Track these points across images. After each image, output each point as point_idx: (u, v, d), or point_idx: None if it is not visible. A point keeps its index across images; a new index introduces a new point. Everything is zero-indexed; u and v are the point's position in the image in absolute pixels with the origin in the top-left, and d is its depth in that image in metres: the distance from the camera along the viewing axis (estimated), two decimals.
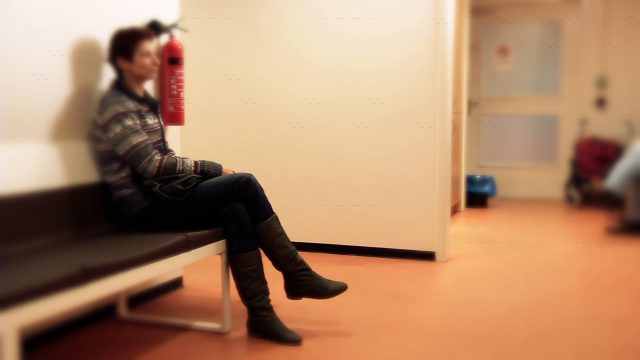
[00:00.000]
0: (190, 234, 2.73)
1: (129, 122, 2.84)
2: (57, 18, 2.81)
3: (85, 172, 2.90)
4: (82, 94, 2.97)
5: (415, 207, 4.46)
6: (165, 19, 3.48)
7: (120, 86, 2.95)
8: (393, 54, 4.43)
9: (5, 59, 2.55)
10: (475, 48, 7.71)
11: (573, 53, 7.50)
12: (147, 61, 2.96)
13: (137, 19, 3.31)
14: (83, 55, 2.96)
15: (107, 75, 3.08)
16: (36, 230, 2.55)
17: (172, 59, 3.43)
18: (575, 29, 7.48)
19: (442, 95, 4.35)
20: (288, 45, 4.69)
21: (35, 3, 2.69)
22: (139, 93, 3.00)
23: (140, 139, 2.85)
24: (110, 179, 2.92)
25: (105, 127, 2.85)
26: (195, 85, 4.92)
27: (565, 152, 7.53)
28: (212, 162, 3.06)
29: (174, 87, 3.44)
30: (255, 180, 2.98)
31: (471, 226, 5.96)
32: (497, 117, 7.91)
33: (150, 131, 2.98)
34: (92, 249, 2.42)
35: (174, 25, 3.48)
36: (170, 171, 2.91)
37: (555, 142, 7.67)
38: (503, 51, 7.82)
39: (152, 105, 3.05)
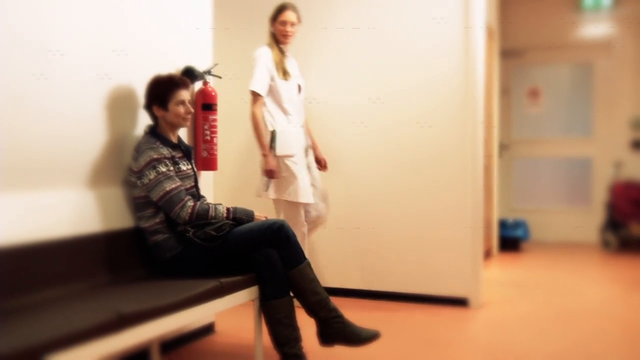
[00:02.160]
0: (223, 280, 2.72)
1: (162, 169, 2.87)
2: (94, 66, 2.87)
3: (120, 218, 2.93)
4: (118, 141, 3.01)
5: (448, 251, 4.40)
6: (200, 66, 3.54)
7: (155, 132, 2.99)
8: (425, 99, 4.44)
9: (43, 106, 2.61)
10: (505, 91, 7.70)
11: (605, 94, 7.44)
12: (182, 110, 3.00)
13: (172, 66, 3.37)
14: (119, 102, 3.02)
15: (142, 121, 3.13)
16: (72, 275, 2.57)
17: (205, 104, 3.48)
18: (607, 70, 7.43)
19: (473, 138, 4.34)
20: (319, 93, 4.73)
21: (74, 52, 2.76)
22: (173, 139, 3.04)
23: (173, 185, 2.88)
24: (145, 224, 2.94)
25: (139, 173, 2.88)
26: (227, 129, 4.97)
27: (599, 195, 7.41)
28: (245, 209, 3.07)
29: (208, 132, 3.48)
30: (288, 226, 2.97)
31: (504, 271, 5.87)
32: (528, 160, 7.85)
33: (184, 177, 3.00)
34: (127, 295, 2.43)
35: (208, 72, 3.54)
36: (203, 217, 2.92)
37: (589, 185, 7.56)
38: (534, 94, 7.79)
39: (185, 151, 3.09)
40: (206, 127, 3.48)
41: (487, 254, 6.54)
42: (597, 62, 7.50)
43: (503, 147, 7.58)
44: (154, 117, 3.03)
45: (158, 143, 2.93)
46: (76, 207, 2.71)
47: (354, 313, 4.16)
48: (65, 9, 2.70)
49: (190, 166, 3.09)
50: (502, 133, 7.50)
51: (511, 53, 7.65)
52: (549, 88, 7.76)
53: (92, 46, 2.85)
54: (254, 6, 4.93)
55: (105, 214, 2.85)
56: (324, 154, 4.40)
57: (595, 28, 7.41)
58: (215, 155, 3.53)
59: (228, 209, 3.01)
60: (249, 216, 3.05)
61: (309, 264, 3.00)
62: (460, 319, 4.04)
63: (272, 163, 3.97)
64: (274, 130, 4.03)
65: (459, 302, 4.37)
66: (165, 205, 2.89)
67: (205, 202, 3.03)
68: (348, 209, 4.67)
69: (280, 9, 4.13)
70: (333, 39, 4.71)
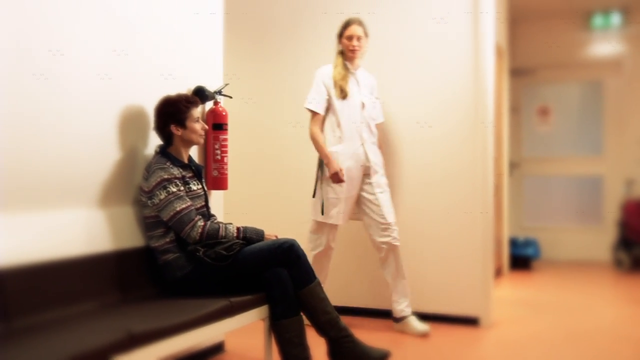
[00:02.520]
0: (233, 299, 2.73)
1: (173, 189, 2.89)
2: (105, 87, 2.90)
3: (130, 237, 2.94)
4: (129, 160, 3.04)
5: (458, 270, 4.39)
6: (210, 86, 3.57)
7: (165, 152, 3.02)
8: (435, 118, 4.44)
9: (55, 127, 2.64)
10: (515, 109, 7.70)
11: (616, 113, 7.43)
12: (198, 127, 3.03)
13: (183, 86, 3.40)
14: (130, 123, 3.05)
15: (153, 141, 3.15)
16: (83, 295, 2.58)
17: (216, 124, 3.50)
18: (617, 89, 7.43)
19: (483, 156, 4.34)
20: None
21: (85, 73, 2.79)
22: (184, 158, 3.07)
23: (184, 205, 2.89)
24: (155, 243, 2.95)
25: (150, 193, 2.91)
26: (237, 147, 4.99)
27: (611, 213, 7.37)
28: (255, 228, 3.08)
29: (218, 152, 3.51)
30: (298, 246, 2.98)
31: (515, 290, 5.83)
32: (539, 178, 7.83)
33: (194, 197, 3.02)
34: (137, 314, 2.44)
35: (219, 92, 3.57)
36: (213, 236, 2.94)
37: (601, 203, 7.52)
38: (543, 112, 7.79)
39: (196, 171, 3.11)
40: (217, 146, 3.50)
41: (498, 273, 6.51)
42: (607, 81, 7.50)
43: (513, 166, 7.57)
44: (165, 137, 3.05)
45: (168, 163, 2.95)
46: (87, 226, 2.73)
47: (364, 332, 4.15)
48: (76, 29, 2.74)
49: (200, 186, 3.11)
50: (512, 151, 7.49)
51: (521, 72, 7.66)
52: (559, 106, 7.76)
53: (103, 66, 2.88)
54: (265, 27, 4.98)
55: (116, 233, 2.86)
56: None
57: (605, 47, 7.42)
58: (226, 174, 3.55)
59: (238, 229, 3.02)
60: (259, 235, 3.06)
61: (319, 283, 3.01)
62: (470, 339, 4.01)
63: (334, 166, 4.00)
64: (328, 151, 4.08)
65: (470, 321, 4.35)
66: (175, 225, 2.91)
67: (215, 222, 3.04)
68: (357, 229, 4.67)
69: (346, 24, 4.12)
70: None
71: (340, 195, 4.06)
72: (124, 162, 3.00)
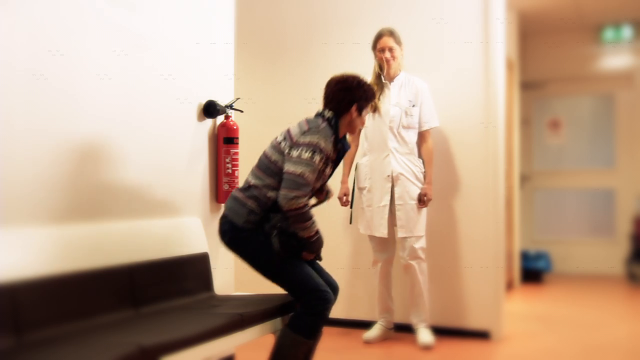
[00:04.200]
0: (244, 312, 2.73)
1: (317, 158, 2.89)
2: (117, 105, 2.93)
3: (142, 251, 2.95)
4: (140, 175, 3.05)
5: (469, 283, 4.37)
6: (221, 100, 3.59)
7: (335, 125, 3.03)
8: (446, 131, 4.44)
9: (69, 143, 2.66)
10: (526, 122, 7.68)
11: (628, 126, 7.40)
12: (363, 121, 3.15)
13: (195, 99, 3.42)
14: (141, 140, 3.07)
15: (155, 155, 3.17)
16: (95, 308, 2.58)
17: (227, 138, 3.52)
18: (629, 102, 7.40)
19: (494, 169, 4.33)
20: None
21: (96, 88, 2.81)
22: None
23: (310, 177, 2.89)
24: (258, 184, 2.97)
25: (297, 145, 2.90)
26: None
27: (623, 226, 7.32)
28: (321, 244, 3.07)
29: (229, 165, 3.52)
30: (331, 305, 2.96)
31: (527, 303, 5.80)
32: (550, 191, 7.79)
33: (320, 179, 3.04)
34: (148, 328, 2.44)
35: (230, 106, 3.59)
36: (302, 220, 2.91)
37: (613, 216, 7.47)
38: (554, 125, 7.77)
39: (338, 158, 3.14)
40: (228, 160, 3.52)
41: (509, 286, 6.47)
42: (619, 94, 7.47)
43: (524, 179, 7.54)
44: (338, 110, 3.04)
45: (332, 138, 2.98)
46: (98, 239, 2.74)
47: (375, 346, 4.14)
48: (89, 45, 2.77)
49: (331, 172, 3.12)
50: (523, 164, 7.47)
51: (532, 85, 7.65)
52: (570, 119, 7.74)
53: (115, 85, 2.90)
54: (276, 41, 5.01)
55: (128, 247, 2.87)
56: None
57: (616, 60, 7.41)
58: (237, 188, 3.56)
59: (317, 231, 3.01)
60: (318, 256, 3.07)
61: (309, 345, 2.96)
62: (482, 353, 3.99)
63: (340, 190, 4.22)
64: (356, 163, 4.26)
65: (481, 335, 4.32)
66: (288, 182, 2.86)
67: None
68: (366, 242, 4.66)
69: (377, 37, 4.17)
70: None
71: (365, 206, 4.13)
72: (135, 176, 3.02)
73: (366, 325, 4.45)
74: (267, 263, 2.98)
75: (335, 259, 4.61)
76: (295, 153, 2.89)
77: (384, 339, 4.23)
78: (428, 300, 4.18)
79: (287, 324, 2.95)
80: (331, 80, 3.12)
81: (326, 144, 2.91)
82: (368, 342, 4.18)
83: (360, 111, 3.08)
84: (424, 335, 4.08)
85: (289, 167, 2.88)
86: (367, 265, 4.55)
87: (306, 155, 2.87)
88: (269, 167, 2.98)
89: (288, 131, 3.02)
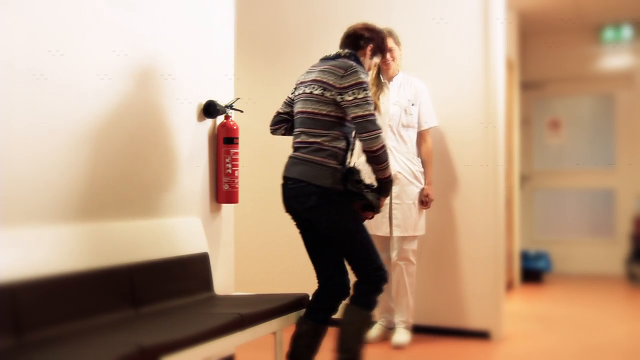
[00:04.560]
0: (244, 312, 2.73)
1: (370, 93, 2.97)
2: (118, 103, 2.93)
3: (142, 250, 2.95)
4: (139, 174, 3.05)
5: (469, 283, 4.37)
6: (221, 100, 3.59)
7: (360, 62, 3.09)
8: (445, 131, 4.45)
9: (69, 144, 2.66)
10: (526, 122, 7.69)
11: (628, 126, 7.40)
12: (372, 65, 3.26)
13: (195, 99, 3.42)
14: (139, 136, 3.07)
15: (156, 154, 3.17)
16: (96, 308, 2.59)
17: (227, 138, 3.52)
18: (629, 102, 7.40)
19: (494, 169, 4.33)
20: None
21: (96, 89, 2.81)
22: None
23: (373, 111, 2.96)
24: (326, 143, 2.96)
25: (345, 89, 2.91)
26: (248, 162, 5.01)
27: (623, 226, 7.32)
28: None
29: (229, 165, 3.52)
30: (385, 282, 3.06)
31: (527, 303, 5.80)
32: (550, 191, 7.80)
33: None
34: (148, 328, 2.44)
35: (230, 106, 3.59)
36: (384, 158, 2.96)
37: (613, 216, 7.48)
38: (554, 125, 7.77)
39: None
40: (228, 160, 3.52)
41: (509, 286, 6.47)
42: (619, 94, 7.48)
43: (524, 179, 7.55)
44: (356, 47, 3.13)
45: (365, 71, 3.05)
46: (98, 239, 2.75)
47: (374, 345, 4.14)
48: (89, 45, 2.77)
49: None
50: (523, 164, 7.47)
51: (532, 85, 7.65)
52: (570, 119, 7.74)
53: (115, 84, 2.90)
54: (277, 41, 5.01)
55: (128, 247, 2.87)
56: None
57: (616, 60, 7.41)
58: (237, 188, 3.56)
59: (390, 174, 3.06)
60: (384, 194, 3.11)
61: (365, 316, 3.05)
62: (481, 353, 3.99)
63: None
64: (354, 162, 4.18)
65: (481, 335, 4.32)
66: (364, 125, 2.88)
67: None
68: None
69: None
70: None
71: None
72: (135, 176, 3.02)
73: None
74: (349, 228, 2.98)
75: None
76: (351, 97, 2.90)
77: (383, 339, 4.23)
78: (413, 302, 4.17)
79: (352, 303, 3.01)
80: (348, 29, 3.20)
81: (367, 78, 2.99)
82: (367, 342, 4.18)
83: (372, 54, 3.18)
84: (400, 335, 4.09)
85: (356, 111, 2.89)
86: None
87: (362, 94, 2.89)
88: (325, 121, 2.97)
89: (318, 80, 2.99)
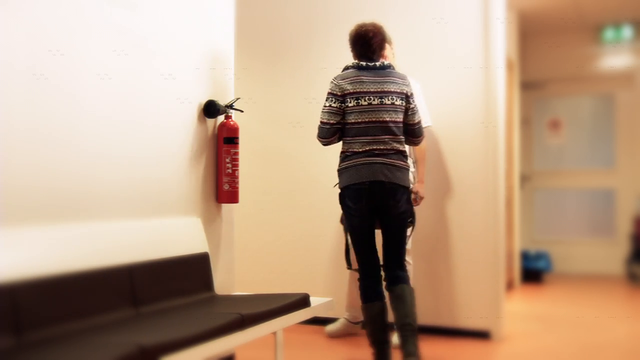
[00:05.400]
0: (244, 312, 2.73)
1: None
2: (119, 103, 2.93)
3: (142, 251, 2.95)
4: (142, 173, 3.05)
5: (469, 283, 4.37)
6: (221, 100, 3.59)
7: None
8: (445, 131, 4.45)
9: (70, 143, 2.66)
10: (526, 122, 7.69)
11: (628, 126, 7.40)
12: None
13: (195, 99, 3.42)
14: (139, 134, 3.07)
15: (159, 152, 3.17)
16: (96, 308, 2.59)
17: (227, 138, 3.52)
18: (629, 102, 7.41)
19: (494, 169, 4.33)
20: None
21: (99, 88, 2.82)
22: None
23: None
24: (402, 147, 3.37)
25: (411, 97, 3.39)
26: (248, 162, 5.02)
27: (624, 226, 7.32)
28: None
29: (229, 165, 3.52)
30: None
31: (527, 303, 5.80)
32: (550, 191, 7.80)
33: None
34: (148, 328, 2.44)
35: (230, 106, 3.59)
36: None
37: (613, 217, 7.48)
38: (554, 125, 7.77)
39: None
40: (228, 160, 3.52)
41: (509, 286, 6.47)
42: (619, 94, 7.48)
43: (524, 178, 7.55)
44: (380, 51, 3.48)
45: None
46: (99, 239, 2.75)
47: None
48: (89, 45, 2.77)
49: None
50: (523, 164, 7.48)
51: (532, 85, 7.65)
52: (571, 119, 7.74)
53: (115, 84, 2.90)
54: (277, 41, 5.01)
55: (129, 247, 2.88)
56: None
57: (616, 60, 7.41)
58: (237, 188, 3.56)
59: None
60: None
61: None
62: (481, 353, 3.99)
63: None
64: None
65: (481, 335, 4.33)
66: (420, 131, 3.45)
67: None
68: None
69: None
70: None
71: None
72: (135, 175, 3.02)
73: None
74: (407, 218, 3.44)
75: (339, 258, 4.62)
76: (413, 105, 3.40)
77: (347, 333, 4.28)
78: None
79: (405, 283, 3.40)
80: (367, 31, 3.38)
81: None
82: (331, 336, 4.25)
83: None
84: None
85: (415, 118, 3.41)
86: None
87: (414, 102, 3.42)
88: (400, 129, 3.36)
89: (390, 92, 3.31)
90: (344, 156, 3.33)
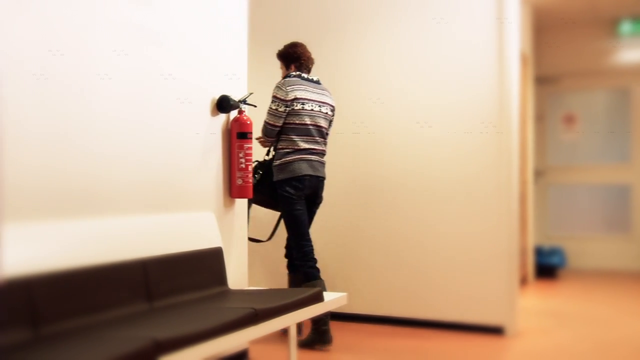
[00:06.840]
0: (258, 307, 2.73)
1: None
2: (135, 102, 2.94)
3: (156, 245, 2.96)
4: (154, 169, 3.06)
5: (483, 278, 4.36)
6: (235, 95, 3.59)
7: None
8: (459, 126, 4.43)
9: (83, 141, 2.68)
10: (540, 117, 7.64)
11: None
12: None
13: (208, 94, 3.43)
14: (151, 130, 3.08)
15: (165, 150, 3.18)
16: (110, 302, 2.60)
17: (240, 133, 3.52)
18: None
19: (508, 164, 4.31)
20: (357, 119, 4.76)
21: (112, 91, 2.83)
22: None
23: None
24: (325, 149, 4.05)
25: (333, 110, 4.10)
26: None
27: (639, 222, 7.26)
28: None
29: (242, 160, 3.53)
30: None
31: (541, 299, 5.77)
32: (564, 186, 7.75)
33: None
34: (163, 322, 2.45)
35: (243, 101, 3.59)
36: None
37: (628, 212, 7.42)
38: (569, 120, 7.72)
39: None
40: (241, 155, 3.52)
41: (523, 282, 6.45)
42: (635, 88, 7.41)
43: (538, 174, 7.51)
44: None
45: None
46: (114, 234, 2.76)
47: (387, 341, 4.14)
48: (100, 42, 2.78)
49: None
50: (537, 159, 7.43)
51: (546, 80, 7.60)
52: (585, 114, 7.68)
53: (128, 81, 2.91)
54: (289, 38, 5.01)
55: (143, 242, 2.89)
56: (360, 184, 4.40)
57: (633, 54, 7.34)
58: (250, 183, 3.57)
59: None
60: None
61: None
62: (495, 348, 3.98)
63: None
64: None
65: (495, 331, 4.31)
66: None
67: None
68: (380, 237, 4.66)
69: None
70: (370, 65, 4.75)
71: None
72: (148, 171, 3.03)
73: (369, 319, 4.45)
74: None
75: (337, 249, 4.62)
76: (334, 116, 4.12)
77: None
78: None
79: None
80: (306, 50, 4.06)
81: None
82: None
83: None
84: None
85: (330, 127, 4.10)
86: (373, 257, 4.55)
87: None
88: (324, 135, 3.98)
89: (325, 103, 3.98)
90: (288, 151, 3.83)
